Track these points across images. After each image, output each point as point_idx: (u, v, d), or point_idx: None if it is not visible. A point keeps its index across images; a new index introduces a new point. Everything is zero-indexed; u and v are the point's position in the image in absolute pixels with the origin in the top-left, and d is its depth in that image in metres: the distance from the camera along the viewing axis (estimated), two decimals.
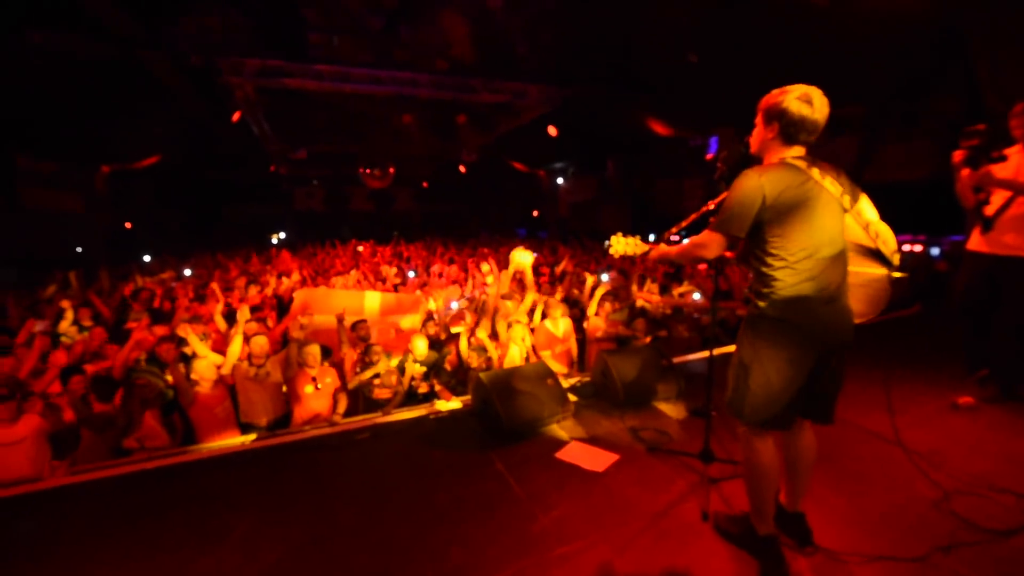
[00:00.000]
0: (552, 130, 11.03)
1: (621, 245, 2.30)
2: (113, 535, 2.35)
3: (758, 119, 1.90)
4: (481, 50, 8.88)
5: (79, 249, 11.95)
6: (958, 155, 3.11)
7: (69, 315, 5.32)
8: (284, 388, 4.01)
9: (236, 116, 8.68)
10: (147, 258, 11.64)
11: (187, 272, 9.28)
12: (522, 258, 4.68)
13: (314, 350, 3.88)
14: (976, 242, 3.21)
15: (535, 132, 11.98)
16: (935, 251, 8.89)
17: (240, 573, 2.07)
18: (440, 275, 7.97)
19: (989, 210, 3.09)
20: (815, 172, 1.79)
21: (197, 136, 13.54)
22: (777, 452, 1.90)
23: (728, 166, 2.37)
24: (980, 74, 5.67)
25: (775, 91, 1.83)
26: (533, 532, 2.20)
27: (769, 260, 1.78)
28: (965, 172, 3.10)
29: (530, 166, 19.12)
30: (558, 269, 7.40)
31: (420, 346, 4.24)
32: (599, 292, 5.09)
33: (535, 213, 20.94)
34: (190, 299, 5.97)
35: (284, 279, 7.68)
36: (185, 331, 3.99)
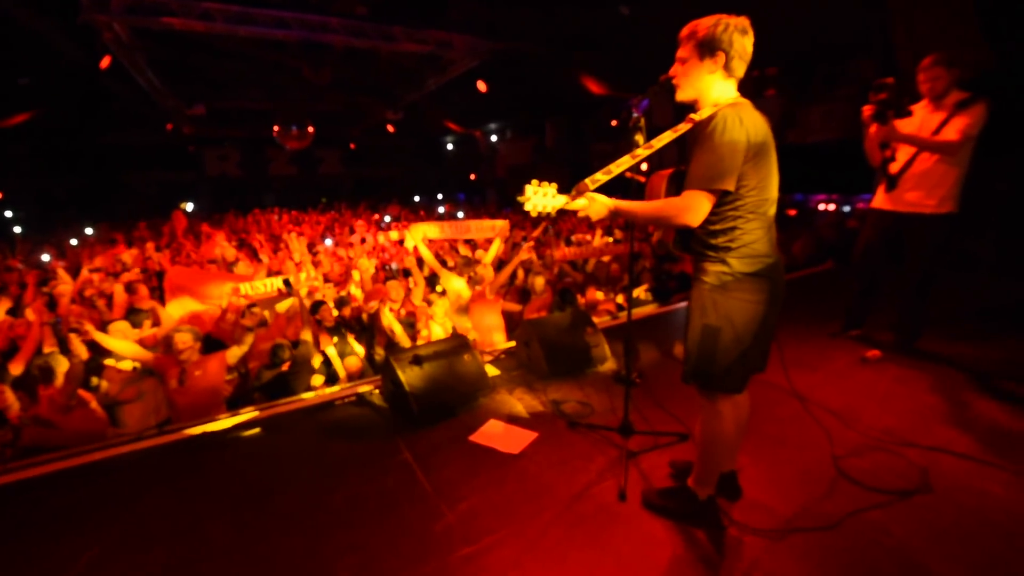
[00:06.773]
0: (481, 85, 10.42)
1: (539, 199, 1.61)
2: None
3: (688, 52, 1.66)
4: None
5: None
6: (867, 110, 3.10)
7: None
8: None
9: (105, 62, 7.38)
10: (17, 229, 10.07)
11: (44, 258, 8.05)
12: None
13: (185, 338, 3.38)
14: (880, 200, 3.25)
15: (470, 91, 11.31)
16: (847, 209, 9.51)
17: None
18: (363, 241, 7.43)
19: (894, 167, 3.11)
20: None
21: (81, 91, 11.72)
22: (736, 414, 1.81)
23: (643, 113, 2.12)
24: (896, 35, 5.75)
25: (705, 20, 1.63)
26: (436, 532, 1.96)
27: (738, 213, 1.60)
28: (873, 128, 3.10)
29: (465, 127, 18.35)
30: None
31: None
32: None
33: (472, 176, 20.30)
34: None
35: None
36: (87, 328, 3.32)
